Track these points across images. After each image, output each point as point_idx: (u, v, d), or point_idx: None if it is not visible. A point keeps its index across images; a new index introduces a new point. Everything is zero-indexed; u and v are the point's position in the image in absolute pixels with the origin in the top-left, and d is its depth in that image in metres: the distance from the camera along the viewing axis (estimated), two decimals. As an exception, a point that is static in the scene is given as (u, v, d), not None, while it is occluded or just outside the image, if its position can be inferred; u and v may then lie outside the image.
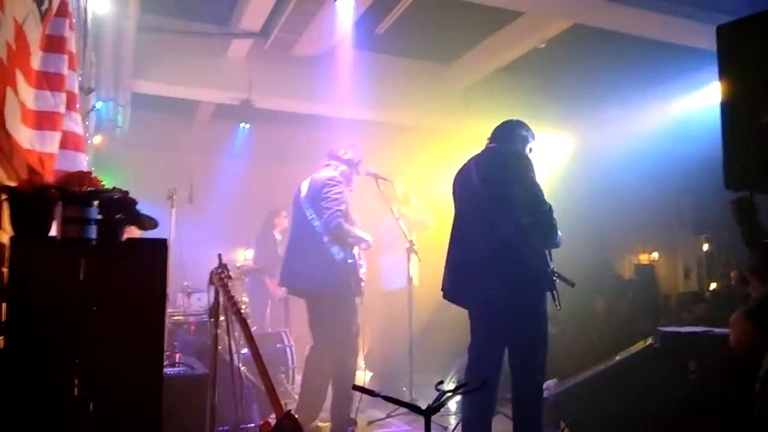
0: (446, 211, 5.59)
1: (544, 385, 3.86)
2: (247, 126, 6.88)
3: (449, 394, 2.01)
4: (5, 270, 1.96)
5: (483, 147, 3.39)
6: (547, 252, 3.11)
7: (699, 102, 5.09)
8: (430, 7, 5.41)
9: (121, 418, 1.89)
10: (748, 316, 2.07)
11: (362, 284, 4.02)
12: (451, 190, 3.42)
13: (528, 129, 3.37)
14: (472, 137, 6.07)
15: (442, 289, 3.31)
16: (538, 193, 3.07)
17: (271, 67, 6.25)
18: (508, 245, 2.99)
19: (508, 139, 3.31)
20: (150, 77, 6.02)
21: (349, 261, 3.87)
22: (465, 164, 3.37)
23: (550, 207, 3.08)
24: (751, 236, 2.18)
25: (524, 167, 3.13)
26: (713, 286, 7.98)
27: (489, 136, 3.41)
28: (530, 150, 3.35)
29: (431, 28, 5.90)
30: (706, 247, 5.70)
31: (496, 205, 3.06)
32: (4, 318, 1.91)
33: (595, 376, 3.69)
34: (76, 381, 1.85)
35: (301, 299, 4.25)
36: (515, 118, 3.43)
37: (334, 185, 3.93)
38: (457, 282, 3.21)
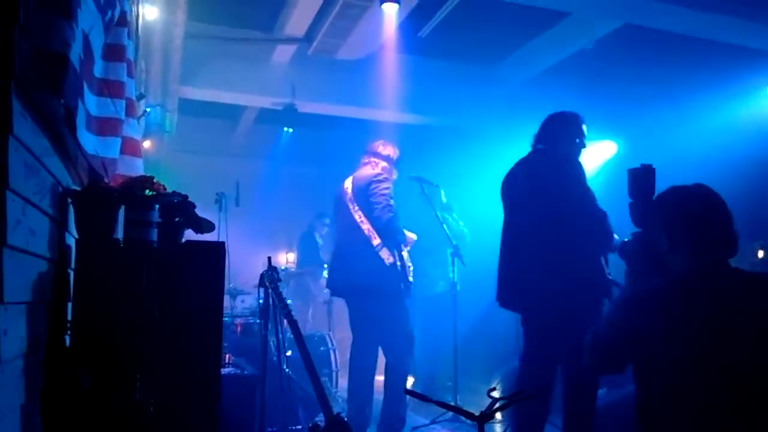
0: (488, 215, 5.56)
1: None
2: (291, 130, 6.96)
3: (503, 401, 1.99)
4: (71, 272, 2.04)
5: (530, 149, 3.26)
6: (603, 258, 3.02)
7: (755, 104, 4.94)
8: (474, 10, 5.37)
9: (181, 418, 1.93)
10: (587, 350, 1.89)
11: (410, 287, 3.98)
12: (499, 194, 3.31)
13: (575, 122, 3.20)
14: (517, 140, 6.02)
15: (497, 296, 3.20)
16: (589, 202, 2.98)
17: (315, 71, 6.32)
18: (561, 254, 2.90)
19: (555, 140, 3.16)
20: (196, 83, 6.16)
21: (399, 265, 3.84)
22: (513, 168, 3.26)
23: (605, 214, 2.98)
24: (639, 212, 1.97)
25: (574, 174, 3.02)
26: None
27: (535, 135, 3.25)
28: (582, 146, 3.21)
29: (475, 30, 5.86)
30: (761, 254, 5.51)
31: (546, 213, 2.97)
32: (70, 318, 1.98)
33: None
34: (138, 381, 1.90)
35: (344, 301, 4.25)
36: (560, 111, 3.24)
37: (381, 181, 3.91)
38: (511, 290, 3.12)
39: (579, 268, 2.92)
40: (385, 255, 3.80)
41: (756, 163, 4.43)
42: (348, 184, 4.09)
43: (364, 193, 3.91)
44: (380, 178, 3.94)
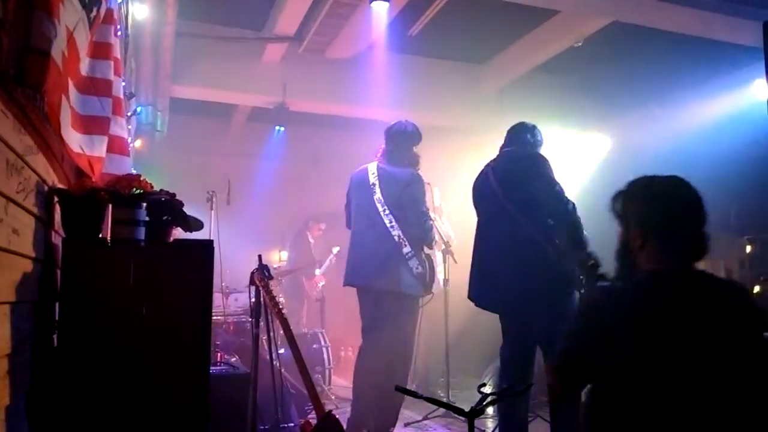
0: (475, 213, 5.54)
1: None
2: (282, 129, 6.95)
3: (493, 397, 1.99)
4: (58, 271, 2.03)
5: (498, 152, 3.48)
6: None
7: (742, 100, 4.97)
8: (463, 8, 5.38)
9: (170, 416, 1.93)
10: (555, 370, 1.70)
11: (432, 288, 3.94)
12: (471, 197, 3.47)
13: (536, 128, 3.45)
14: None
15: (472, 297, 3.33)
16: (559, 192, 3.12)
17: (306, 70, 6.31)
18: (534, 247, 3.04)
19: (522, 142, 3.39)
20: (188, 82, 6.13)
21: (426, 275, 3.78)
22: (482, 171, 3.44)
23: (573, 205, 3.12)
24: None
25: (542, 167, 3.19)
26: (757, 288, 7.74)
27: (504, 141, 3.50)
28: (540, 147, 3.44)
29: (465, 28, 5.86)
30: (748, 248, 5.54)
31: (517, 208, 3.12)
32: (57, 317, 1.96)
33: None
34: (127, 379, 1.90)
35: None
36: (525, 121, 3.53)
37: (415, 182, 3.79)
38: (487, 288, 3.24)
39: (553, 260, 3.04)
40: (414, 264, 3.70)
41: (744, 157, 4.46)
42: (373, 177, 3.84)
43: (397, 195, 3.76)
44: (414, 178, 3.81)
